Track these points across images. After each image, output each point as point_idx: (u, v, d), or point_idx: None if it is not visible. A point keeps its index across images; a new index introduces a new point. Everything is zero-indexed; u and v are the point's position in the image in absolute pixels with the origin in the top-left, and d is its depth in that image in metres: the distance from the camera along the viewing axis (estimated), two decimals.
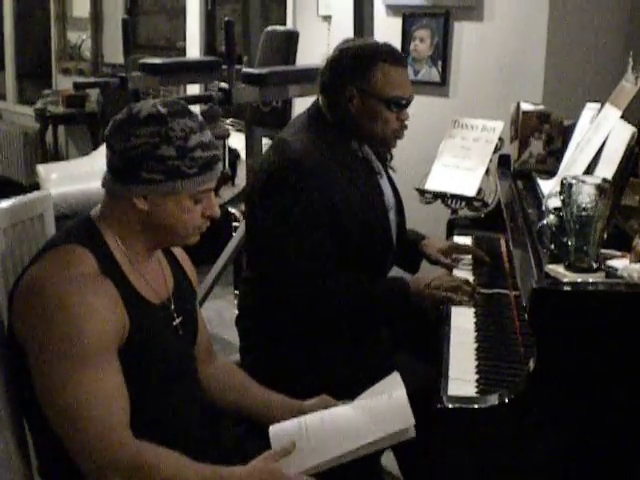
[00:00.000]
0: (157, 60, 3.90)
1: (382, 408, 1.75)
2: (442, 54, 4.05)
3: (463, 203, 3.35)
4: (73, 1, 7.47)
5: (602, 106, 2.32)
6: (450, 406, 1.75)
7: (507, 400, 1.72)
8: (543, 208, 2.22)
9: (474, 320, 2.24)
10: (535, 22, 3.66)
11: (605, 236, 1.83)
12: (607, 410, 1.72)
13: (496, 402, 1.73)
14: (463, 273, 2.55)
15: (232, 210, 4.74)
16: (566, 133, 2.73)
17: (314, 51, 4.38)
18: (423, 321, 2.48)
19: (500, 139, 3.29)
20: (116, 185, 1.68)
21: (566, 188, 1.77)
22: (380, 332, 2.42)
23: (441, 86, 4.07)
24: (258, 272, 2.37)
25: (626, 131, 1.99)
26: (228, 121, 5.35)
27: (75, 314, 1.55)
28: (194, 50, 6.01)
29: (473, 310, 2.29)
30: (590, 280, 1.73)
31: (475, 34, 3.93)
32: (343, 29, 4.01)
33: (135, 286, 1.70)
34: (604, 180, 1.79)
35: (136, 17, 6.85)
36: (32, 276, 1.62)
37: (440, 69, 4.06)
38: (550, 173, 2.58)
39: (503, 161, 3.08)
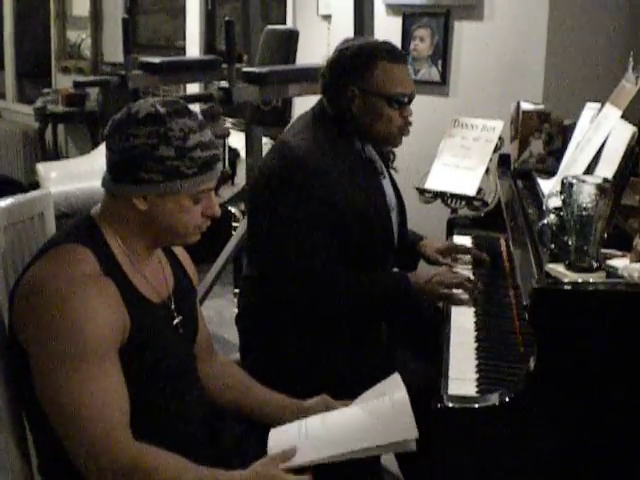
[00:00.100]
0: (157, 59, 3.89)
1: (384, 415, 1.74)
2: (442, 53, 4.05)
3: (463, 202, 3.35)
4: (73, 0, 7.47)
5: (602, 106, 2.32)
6: (450, 405, 1.75)
7: (507, 399, 1.72)
8: (544, 208, 2.22)
9: (474, 319, 2.24)
10: (535, 21, 3.66)
11: (605, 236, 1.83)
12: (607, 409, 1.72)
13: (496, 401, 1.73)
14: (463, 272, 2.55)
15: (232, 209, 4.74)
16: (566, 133, 2.72)
17: (314, 50, 4.38)
18: (423, 320, 2.48)
19: (500, 138, 3.28)
20: (115, 185, 1.68)
21: (567, 188, 1.77)
22: (380, 331, 2.42)
23: (441, 85, 4.07)
24: (259, 271, 2.37)
25: (626, 131, 1.99)
26: (228, 120, 5.34)
27: (76, 314, 1.55)
28: (194, 49, 6.01)
29: (473, 310, 2.30)
30: (590, 280, 1.73)
31: (475, 33, 3.93)
32: (343, 28, 4.01)
33: (136, 285, 1.70)
34: (604, 180, 1.79)
35: (136, 16, 6.84)
36: (33, 275, 1.62)
37: (440, 68, 4.06)
38: (550, 173, 2.58)
39: (503, 160, 3.08)
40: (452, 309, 2.29)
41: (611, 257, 1.85)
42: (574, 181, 1.77)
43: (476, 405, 1.74)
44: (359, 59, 2.30)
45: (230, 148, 4.99)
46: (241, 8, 4.03)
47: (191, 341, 1.87)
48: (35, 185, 5.82)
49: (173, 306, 1.79)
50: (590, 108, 2.49)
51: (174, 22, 6.54)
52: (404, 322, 2.47)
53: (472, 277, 2.48)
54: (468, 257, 2.69)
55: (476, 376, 1.91)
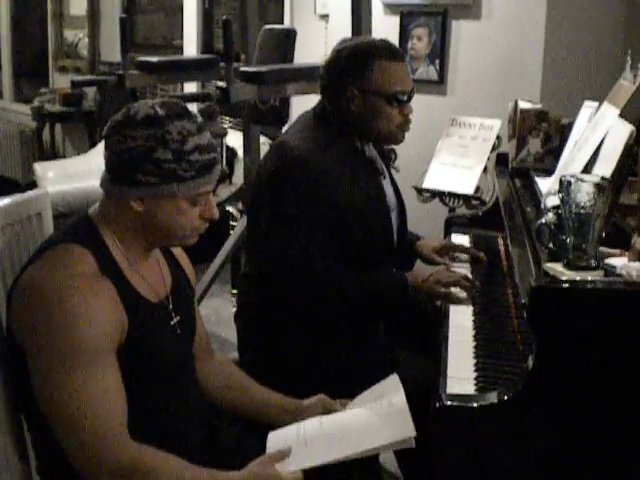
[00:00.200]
0: (154, 58, 3.89)
1: (382, 416, 1.74)
2: (440, 52, 4.05)
3: (461, 201, 3.35)
4: None
5: (600, 104, 2.32)
6: (449, 404, 1.75)
7: (506, 398, 1.72)
8: (541, 206, 2.22)
9: (472, 318, 2.24)
10: (533, 20, 3.66)
11: (604, 234, 1.83)
12: (606, 408, 1.72)
13: (495, 400, 1.73)
14: (461, 271, 2.55)
15: (229, 208, 4.74)
16: (564, 131, 2.73)
17: (312, 49, 4.39)
18: (423, 318, 2.48)
19: (498, 137, 3.29)
20: (113, 186, 1.67)
21: (565, 186, 1.77)
22: (379, 330, 2.42)
23: (439, 84, 4.07)
24: (258, 270, 2.37)
25: (624, 129, 1.99)
26: (226, 119, 5.34)
27: (74, 314, 1.55)
28: (191, 48, 6.00)
29: (471, 308, 2.29)
30: (589, 278, 1.74)
31: (473, 32, 3.93)
32: (340, 27, 4.01)
33: (134, 285, 1.69)
34: (603, 178, 1.80)
35: (133, 15, 6.84)
36: (31, 275, 1.61)
37: (438, 67, 4.06)
38: (548, 171, 2.59)
39: (501, 159, 3.08)
40: (450, 308, 2.29)
41: (609, 256, 1.85)
42: (572, 180, 1.77)
43: (475, 404, 1.74)
44: (356, 59, 2.30)
45: (228, 147, 4.99)
46: (238, 7, 4.03)
47: (189, 341, 1.87)
48: (32, 185, 5.82)
49: (171, 306, 1.79)
50: (588, 107, 2.49)
51: (171, 21, 6.54)
52: (403, 321, 2.46)
53: (470, 275, 2.48)
54: (465, 256, 2.69)
55: (474, 375, 1.90)
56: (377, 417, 1.75)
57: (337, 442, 1.70)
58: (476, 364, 1.96)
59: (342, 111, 2.32)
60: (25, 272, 1.63)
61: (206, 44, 6.01)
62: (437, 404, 1.75)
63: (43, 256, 1.64)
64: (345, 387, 1.94)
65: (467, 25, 3.94)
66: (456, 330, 2.16)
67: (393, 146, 2.56)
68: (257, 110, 3.79)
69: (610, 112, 2.16)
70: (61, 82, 7.31)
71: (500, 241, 2.76)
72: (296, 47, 3.77)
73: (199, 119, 1.69)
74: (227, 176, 5.00)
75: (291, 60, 3.73)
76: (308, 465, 1.65)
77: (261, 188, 2.32)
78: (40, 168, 5.92)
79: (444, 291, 2.32)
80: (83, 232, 1.68)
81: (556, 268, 1.78)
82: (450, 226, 3.05)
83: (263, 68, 3.31)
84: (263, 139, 4.36)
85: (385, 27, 4.04)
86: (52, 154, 7.43)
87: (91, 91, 6.94)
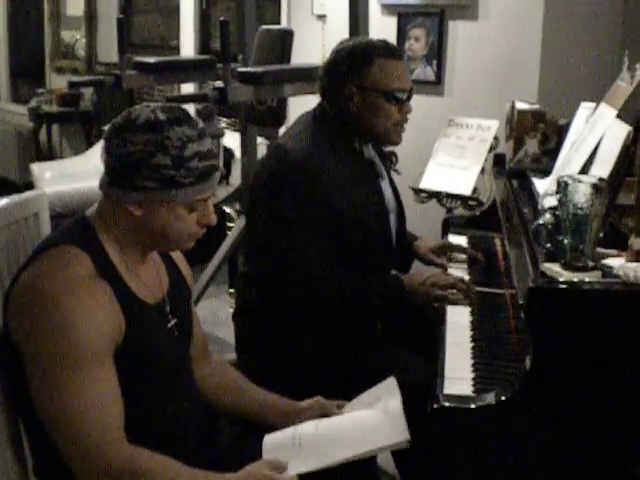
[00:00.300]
0: (151, 59, 3.89)
1: (378, 422, 1.74)
2: (437, 53, 4.05)
3: (458, 202, 3.35)
4: (67, 0, 7.45)
5: (597, 105, 2.32)
6: (446, 405, 1.75)
7: (503, 399, 1.72)
8: (539, 207, 2.22)
9: (470, 319, 2.24)
10: (530, 21, 3.67)
11: (601, 235, 1.83)
12: (603, 408, 1.72)
13: (492, 401, 1.73)
14: (458, 272, 2.55)
15: (227, 209, 4.74)
16: (561, 132, 2.73)
17: (309, 50, 4.39)
18: (421, 319, 2.48)
19: (495, 138, 3.29)
20: (111, 188, 1.66)
21: (562, 187, 1.77)
22: (377, 331, 2.42)
23: (436, 85, 4.07)
24: (257, 270, 2.37)
25: (622, 130, 1.99)
26: (223, 120, 5.34)
27: (71, 316, 1.54)
28: (188, 49, 6.00)
29: (469, 309, 2.30)
30: (586, 279, 1.74)
31: (470, 33, 3.93)
32: (338, 28, 4.02)
33: (131, 287, 1.69)
34: (600, 179, 1.80)
35: (130, 16, 6.83)
36: (28, 277, 1.61)
37: (435, 68, 4.07)
38: (545, 172, 2.58)
39: (498, 160, 3.08)
40: (448, 309, 2.29)
41: (607, 256, 1.85)
42: (570, 180, 1.77)
43: (472, 405, 1.74)
44: (356, 56, 2.31)
45: (225, 148, 4.98)
46: (236, 8, 4.03)
47: (186, 342, 1.86)
48: (29, 185, 5.81)
49: (168, 308, 1.78)
50: (585, 107, 2.49)
51: (168, 22, 6.53)
52: (402, 322, 2.46)
53: (466, 277, 2.48)
54: (462, 256, 2.70)
55: (472, 375, 1.91)
56: (372, 422, 1.75)
57: (332, 446, 1.70)
58: (473, 365, 1.96)
59: (341, 110, 2.33)
60: (22, 274, 1.63)
61: (203, 45, 6.02)
62: (434, 405, 1.75)
63: (40, 258, 1.63)
64: (343, 388, 1.94)
65: (464, 26, 3.94)
66: (453, 331, 2.17)
67: (393, 149, 2.55)
68: (254, 111, 3.79)
69: (607, 113, 2.16)
70: (58, 83, 7.31)
71: (497, 242, 2.76)
72: (293, 48, 3.77)
73: (200, 125, 1.67)
74: (224, 177, 4.99)
75: (288, 61, 3.73)
76: (304, 470, 1.66)
77: (259, 190, 2.32)
78: (37, 169, 5.91)
79: (441, 293, 2.32)
80: (80, 234, 1.67)
81: (553, 269, 1.78)
82: (447, 227, 3.05)
83: (260, 69, 3.30)
84: (260, 140, 4.35)
85: (382, 28, 4.05)
86: (49, 155, 7.43)
87: (88, 92, 6.94)
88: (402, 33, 4.15)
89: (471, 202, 3.30)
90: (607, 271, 1.78)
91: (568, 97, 3.10)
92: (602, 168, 1.98)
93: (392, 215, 2.47)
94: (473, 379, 1.89)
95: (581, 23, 3.65)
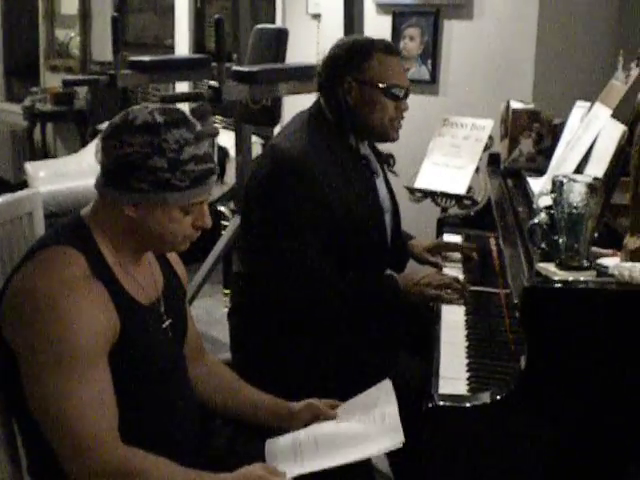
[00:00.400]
0: (146, 58, 3.89)
1: (377, 431, 1.75)
2: (432, 52, 4.05)
3: (453, 201, 3.36)
4: None
5: (592, 105, 2.32)
6: (441, 404, 1.75)
7: (498, 398, 1.72)
8: (534, 206, 2.22)
9: (465, 318, 2.24)
10: (525, 20, 3.67)
11: (596, 234, 1.83)
12: (599, 408, 1.72)
13: (487, 400, 1.73)
14: (453, 271, 2.55)
15: (221, 208, 4.73)
16: (556, 132, 2.73)
17: (304, 49, 4.38)
18: (417, 318, 2.48)
19: (490, 137, 3.29)
20: (107, 189, 1.66)
21: (557, 186, 1.77)
22: (372, 331, 2.42)
23: (431, 84, 4.07)
24: (252, 270, 2.37)
25: (616, 130, 1.99)
26: (217, 119, 5.34)
27: (66, 316, 1.54)
28: (183, 48, 6.00)
29: (463, 308, 2.30)
30: (581, 278, 1.74)
31: (465, 32, 3.93)
32: (332, 27, 4.01)
33: (125, 288, 1.68)
34: (595, 179, 1.80)
35: (125, 14, 6.82)
36: (22, 277, 1.60)
37: (430, 67, 4.07)
38: (540, 171, 2.59)
39: (493, 159, 3.09)
40: (443, 308, 2.29)
41: (601, 256, 1.85)
42: (565, 180, 1.77)
43: (467, 404, 1.74)
44: (355, 51, 2.33)
45: (220, 147, 4.98)
46: (230, 7, 4.03)
47: (180, 343, 1.86)
48: (23, 184, 5.79)
49: (162, 308, 1.78)
50: (580, 107, 2.49)
51: (163, 20, 6.53)
52: (397, 321, 2.46)
53: (461, 277, 2.48)
54: (457, 255, 2.70)
55: (467, 375, 1.90)
56: (371, 430, 1.76)
57: (331, 454, 1.72)
58: (468, 364, 1.96)
59: (338, 105, 2.33)
60: (17, 274, 1.62)
61: (198, 43, 6.02)
62: (429, 404, 1.75)
63: (35, 258, 1.62)
64: (338, 387, 1.94)
65: (459, 25, 3.94)
66: (448, 330, 2.17)
67: (390, 151, 2.56)
68: (249, 110, 3.79)
69: (602, 112, 2.16)
70: (52, 81, 7.29)
71: (492, 241, 2.76)
72: (288, 47, 3.77)
73: (198, 128, 1.66)
74: (219, 176, 4.99)
75: (283, 60, 3.73)
76: (297, 473, 1.67)
77: (255, 189, 2.32)
78: (31, 168, 5.90)
79: (435, 293, 2.32)
80: (75, 234, 1.66)
81: (548, 268, 1.78)
82: (442, 226, 3.05)
83: (255, 68, 3.30)
84: (255, 139, 4.35)
85: (377, 27, 4.04)
86: (43, 153, 7.42)
87: (82, 90, 6.93)
88: (397, 32, 4.15)
89: (466, 201, 3.31)
90: (602, 271, 1.78)
91: (563, 96, 3.10)
92: (597, 167, 1.98)
93: (387, 214, 2.48)
94: (468, 378, 1.89)
95: (576, 23, 3.66)
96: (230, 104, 3.80)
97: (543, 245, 1.89)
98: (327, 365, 2.25)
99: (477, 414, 1.73)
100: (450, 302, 2.31)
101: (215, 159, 4.93)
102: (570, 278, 1.73)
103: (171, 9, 6.14)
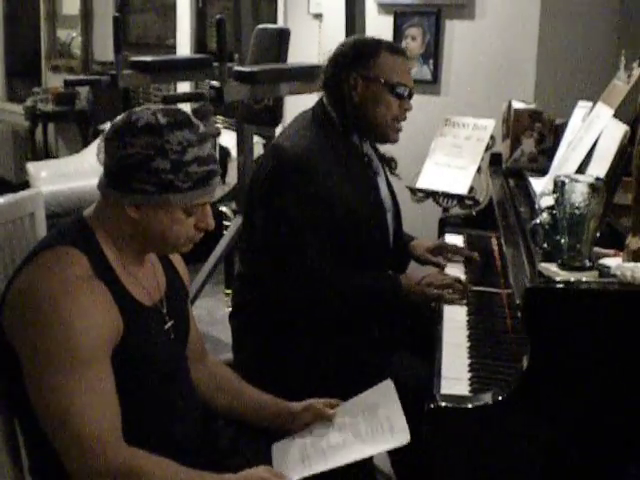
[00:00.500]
0: (148, 58, 3.88)
1: (383, 430, 1.76)
2: (433, 52, 4.05)
3: (455, 201, 3.35)
4: None
5: (594, 104, 2.32)
6: (443, 405, 1.74)
7: (500, 399, 1.72)
8: (536, 207, 2.22)
9: (466, 319, 2.24)
10: (527, 20, 3.66)
11: (598, 235, 1.83)
12: (600, 408, 1.72)
13: (489, 401, 1.73)
14: (455, 271, 2.55)
15: (223, 208, 4.73)
16: (558, 132, 2.73)
17: (305, 49, 4.38)
18: (418, 318, 2.48)
19: (492, 137, 3.29)
20: (110, 190, 1.65)
21: (559, 187, 1.77)
22: (373, 331, 2.42)
23: (432, 84, 4.07)
24: (254, 270, 2.37)
25: (618, 130, 1.99)
26: (219, 119, 5.34)
27: (68, 317, 1.54)
28: (185, 48, 6.00)
29: (465, 309, 2.29)
30: (583, 279, 1.73)
31: (466, 32, 3.93)
32: (334, 27, 4.01)
33: (128, 289, 1.68)
34: (597, 179, 1.79)
35: (126, 15, 6.83)
36: (25, 278, 1.60)
37: (432, 67, 4.06)
38: (541, 172, 2.59)
39: (495, 159, 3.09)
40: (445, 308, 2.29)
41: (604, 256, 1.85)
42: (567, 180, 1.77)
43: (469, 404, 1.74)
44: (362, 48, 2.35)
45: (221, 147, 4.98)
46: (232, 7, 4.03)
47: (183, 344, 1.86)
48: (25, 185, 5.80)
49: (165, 310, 1.78)
50: (582, 107, 2.49)
51: (165, 21, 6.53)
52: (399, 321, 2.46)
53: (463, 277, 2.48)
54: (458, 256, 2.69)
55: (469, 375, 1.90)
56: (377, 433, 1.77)
57: (337, 456, 1.73)
58: (470, 365, 1.96)
59: (343, 101, 2.33)
60: (19, 274, 1.62)
61: (199, 43, 6.02)
62: (431, 405, 1.75)
63: (37, 258, 1.62)
64: (339, 388, 1.94)
65: (461, 25, 3.94)
66: (450, 331, 2.16)
67: (392, 154, 2.56)
68: (251, 110, 3.79)
69: (604, 112, 2.16)
70: (54, 82, 7.30)
71: (494, 241, 2.76)
72: (290, 47, 3.76)
73: (201, 129, 1.65)
74: (221, 176, 4.99)
75: (285, 60, 3.72)
76: (305, 474, 1.68)
77: (258, 189, 2.32)
78: (33, 168, 5.90)
79: (437, 292, 2.32)
80: (78, 234, 1.66)
81: (550, 268, 1.78)
82: (444, 226, 3.05)
83: (256, 68, 3.30)
84: (257, 139, 4.35)
85: (379, 27, 4.04)
86: (45, 154, 7.42)
87: (84, 90, 6.93)
88: (398, 32, 4.15)
89: (467, 201, 3.30)
90: (604, 271, 1.77)
91: (565, 96, 3.10)
92: (599, 167, 1.98)
93: (389, 214, 2.48)
94: (470, 379, 1.88)
95: (578, 22, 3.65)
96: (232, 104, 3.79)
97: (545, 245, 1.88)
98: (328, 365, 2.25)
99: (479, 415, 1.73)
100: (452, 302, 2.31)
101: (217, 159, 4.93)
102: (572, 278, 1.73)
103: (173, 9, 6.14)
